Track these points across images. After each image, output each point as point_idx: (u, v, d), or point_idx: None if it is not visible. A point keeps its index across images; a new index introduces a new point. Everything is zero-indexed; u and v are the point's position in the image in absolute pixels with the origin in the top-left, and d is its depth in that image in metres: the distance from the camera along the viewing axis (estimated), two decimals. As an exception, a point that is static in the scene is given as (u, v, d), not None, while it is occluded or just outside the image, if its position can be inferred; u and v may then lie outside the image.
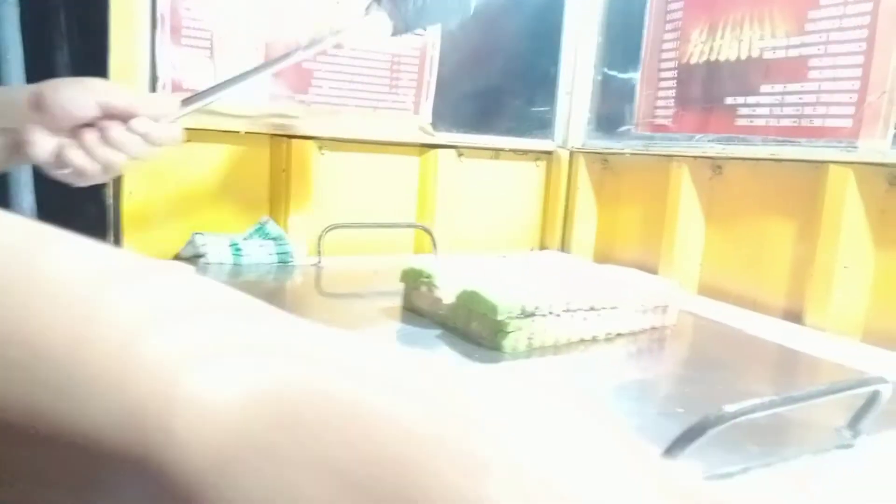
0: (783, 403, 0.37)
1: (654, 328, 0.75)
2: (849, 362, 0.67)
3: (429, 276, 0.72)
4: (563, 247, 1.27)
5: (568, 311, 0.66)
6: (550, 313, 0.65)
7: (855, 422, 0.46)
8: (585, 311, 0.68)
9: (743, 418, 0.35)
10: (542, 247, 1.29)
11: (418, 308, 0.75)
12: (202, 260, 0.94)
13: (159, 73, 0.94)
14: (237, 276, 0.91)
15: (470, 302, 0.65)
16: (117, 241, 0.94)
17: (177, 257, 0.97)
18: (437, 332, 0.69)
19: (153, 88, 0.94)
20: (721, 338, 0.78)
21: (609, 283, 0.73)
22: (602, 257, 1.22)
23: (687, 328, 0.80)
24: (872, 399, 0.44)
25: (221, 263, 0.94)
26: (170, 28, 0.93)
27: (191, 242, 0.95)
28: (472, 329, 0.66)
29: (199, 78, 0.96)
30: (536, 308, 0.64)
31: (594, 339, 0.69)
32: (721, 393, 0.57)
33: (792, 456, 0.44)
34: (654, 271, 1.06)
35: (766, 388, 0.61)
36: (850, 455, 0.45)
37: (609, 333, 0.71)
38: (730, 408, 0.35)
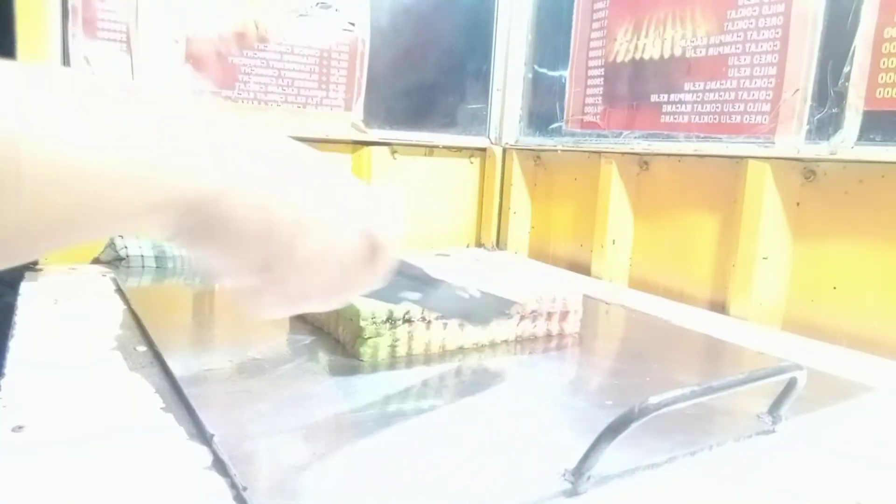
0: (704, 394, 0.38)
1: (561, 335, 0.69)
2: (770, 350, 0.70)
3: None
4: (499, 243, 1.27)
5: (441, 318, 0.60)
6: (423, 319, 0.59)
7: (775, 408, 0.48)
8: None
9: (666, 409, 0.35)
10: (478, 243, 1.30)
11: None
12: (123, 263, 0.90)
13: (72, 66, 0.89)
14: (161, 279, 0.87)
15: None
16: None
17: (96, 261, 0.93)
18: (310, 339, 0.63)
19: (66, 83, 0.89)
20: (651, 329, 0.79)
21: (505, 288, 0.64)
22: (537, 253, 1.24)
23: (619, 320, 0.81)
24: (790, 386, 0.46)
25: (143, 266, 0.90)
26: (83, 20, 0.88)
27: (110, 245, 0.91)
28: (340, 335, 0.62)
29: (115, 72, 0.91)
30: (407, 314, 0.58)
31: (476, 346, 0.64)
32: (650, 384, 0.58)
33: (716, 443, 0.45)
34: (587, 266, 1.08)
35: (692, 378, 0.62)
36: (771, 440, 0.47)
37: (492, 340, 0.65)
38: (653, 399, 0.35)
